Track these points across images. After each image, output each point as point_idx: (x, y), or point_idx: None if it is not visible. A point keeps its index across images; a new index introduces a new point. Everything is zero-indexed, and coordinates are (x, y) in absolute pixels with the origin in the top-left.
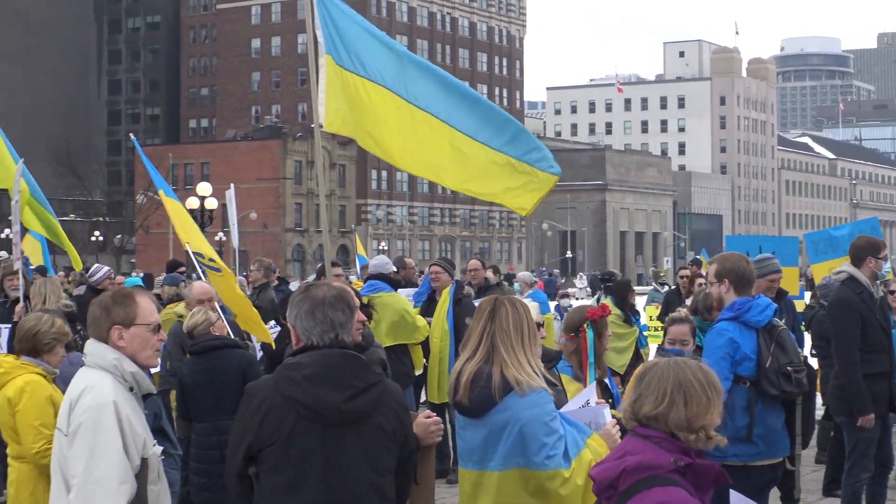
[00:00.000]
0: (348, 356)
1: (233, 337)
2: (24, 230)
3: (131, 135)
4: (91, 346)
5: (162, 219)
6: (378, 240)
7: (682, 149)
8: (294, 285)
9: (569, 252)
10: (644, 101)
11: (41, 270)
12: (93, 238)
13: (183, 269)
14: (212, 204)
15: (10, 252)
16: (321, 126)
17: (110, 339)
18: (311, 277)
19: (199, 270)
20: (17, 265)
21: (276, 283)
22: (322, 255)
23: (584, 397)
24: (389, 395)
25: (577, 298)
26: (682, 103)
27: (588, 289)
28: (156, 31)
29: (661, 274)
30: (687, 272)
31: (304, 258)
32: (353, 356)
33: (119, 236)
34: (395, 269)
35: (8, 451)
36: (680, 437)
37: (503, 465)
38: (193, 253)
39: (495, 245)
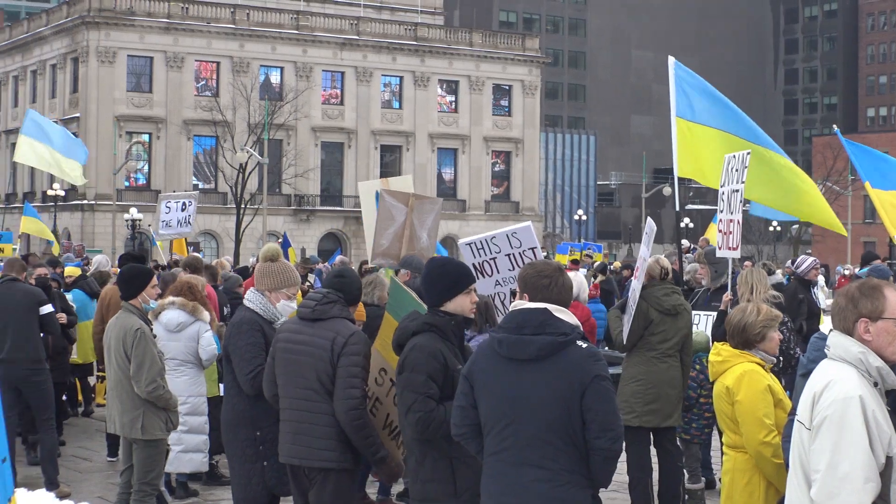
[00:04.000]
0: None
1: None
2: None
3: (834, 126)
4: (835, 337)
5: (840, 209)
6: None
7: None
8: None
9: None
10: None
11: None
12: (770, 228)
13: (878, 260)
14: None
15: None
16: None
17: (856, 332)
18: None
19: None
20: (732, 254)
21: None
22: None
23: None
24: None
25: None
26: None
27: None
28: (833, 19)
29: None
30: None
31: None
32: None
33: (796, 226)
34: None
35: (724, 440)
36: None
37: None
38: None
39: None
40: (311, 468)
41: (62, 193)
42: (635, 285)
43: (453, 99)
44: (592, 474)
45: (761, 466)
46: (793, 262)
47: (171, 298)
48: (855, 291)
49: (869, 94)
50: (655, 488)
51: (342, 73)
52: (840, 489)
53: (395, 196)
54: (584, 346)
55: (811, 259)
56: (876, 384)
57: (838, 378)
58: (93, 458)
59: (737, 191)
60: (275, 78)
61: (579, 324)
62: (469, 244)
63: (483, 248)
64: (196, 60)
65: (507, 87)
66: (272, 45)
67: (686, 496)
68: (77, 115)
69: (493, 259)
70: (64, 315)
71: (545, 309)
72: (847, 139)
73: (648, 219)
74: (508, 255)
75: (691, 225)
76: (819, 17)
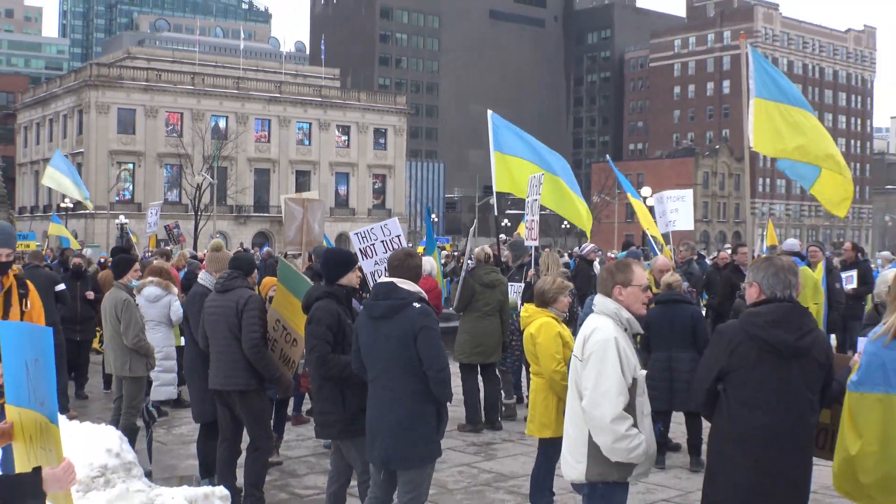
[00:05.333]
0: (797, 307)
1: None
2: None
3: (607, 156)
4: (599, 298)
5: (610, 212)
6: (761, 228)
7: None
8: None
9: None
10: None
11: None
12: (562, 225)
13: (634, 246)
14: (651, 202)
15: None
16: (751, 147)
17: (613, 295)
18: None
19: (656, 248)
20: (534, 243)
21: (697, 257)
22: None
23: None
24: (822, 337)
25: None
26: None
27: None
28: (607, 83)
29: None
30: None
31: (709, 240)
32: (801, 308)
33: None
34: (797, 252)
35: (531, 370)
36: None
37: None
38: (651, 237)
39: (848, 233)
40: (228, 391)
41: (71, 206)
42: (466, 266)
43: (346, 138)
44: (433, 393)
45: (553, 387)
46: (579, 248)
47: (150, 278)
48: (613, 267)
49: (630, 135)
50: (482, 405)
51: (269, 121)
52: (602, 400)
53: (294, 202)
54: (419, 306)
55: (591, 245)
56: (626, 329)
57: (600, 326)
58: (93, 391)
59: (536, 200)
60: (222, 124)
61: (422, 292)
62: (356, 234)
63: (366, 236)
64: (166, 112)
65: (383, 130)
66: (220, 101)
67: (503, 408)
68: (81, 150)
69: (373, 245)
70: (92, 293)
71: (391, 281)
72: (615, 165)
73: (475, 222)
74: (383, 241)
75: (509, 224)
76: (597, 82)
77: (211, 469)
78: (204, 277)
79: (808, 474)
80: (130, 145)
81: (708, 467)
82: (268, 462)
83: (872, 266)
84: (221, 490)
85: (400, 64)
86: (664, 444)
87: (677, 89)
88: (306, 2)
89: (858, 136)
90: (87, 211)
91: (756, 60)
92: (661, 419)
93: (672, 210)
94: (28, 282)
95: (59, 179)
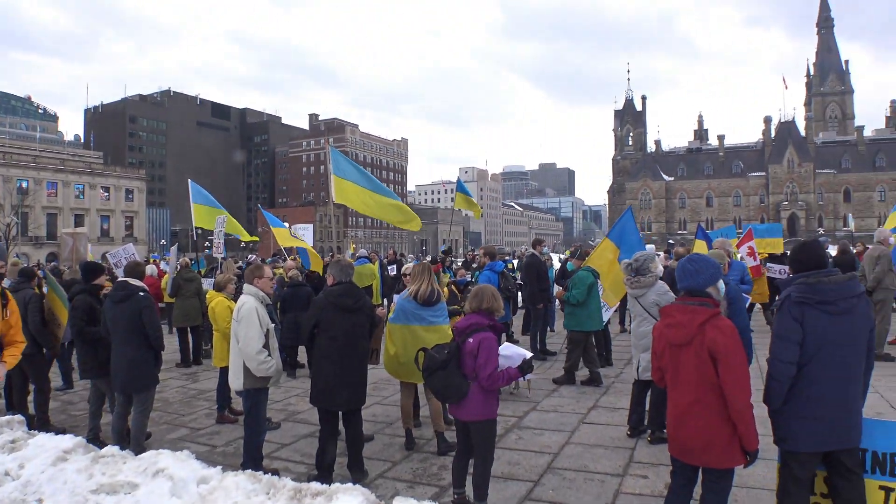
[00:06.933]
0: (353, 286)
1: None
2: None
3: (259, 206)
4: (245, 285)
5: (269, 236)
6: (352, 243)
7: None
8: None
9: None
10: (451, 189)
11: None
12: (240, 245)
13: (276, 254)
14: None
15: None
16: (334, 200)
17: (253, 283)
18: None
19: (285, 255)
20: (219, 255)
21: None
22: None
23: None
24: (368, 301)
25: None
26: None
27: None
28: (266, 165)
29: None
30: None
31: (323, 252)
32: (355, 285)
33: (251, 244)
34: (367, 255)
35: (213, 327)
36: (491, 314)
37: (434, 322)
38: (284, 248)
39: (395, 245)
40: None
41: None
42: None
43: (107, 195)
44: (153, 345)
45: (225, 337)
46: (248, 256)
47: None
48: (253, 268)
49: (279, 194)
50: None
51: (57, 183)
52: (249, 342)
53: (67, 234)
54: (143, 294)
55: (254, 255)
56: (262, 302)
57: (247, 301)
58: None
59: (221, 230)
60: (25, 185)
61: (146, 286)
62: (111, 253)
63: (116, 254)
64: None
65: (131, 190)
66: (23, 170)
67: (203, 351)
68: None
69: (120, 259)
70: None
71: (126, 280)
72: (266, 211)
73: (178, 243)
74: (126, 257)
75: (209, 244)
76: (260, 164)
77: (12, 404)
78: (7, 283)
79: (364, 375)
80: None
81: (312, 374)
82: (49, 397)
83: (404, 262)
84: (19, 416)
85: (142, 150)
86: (293, 364)
87: (304, 169)
88: (81, 109)
89: (400, 194)
90: None
91: (334, 155)
92: (288, 351)
93: (302, 235)
94: (8, 292)
95: None
